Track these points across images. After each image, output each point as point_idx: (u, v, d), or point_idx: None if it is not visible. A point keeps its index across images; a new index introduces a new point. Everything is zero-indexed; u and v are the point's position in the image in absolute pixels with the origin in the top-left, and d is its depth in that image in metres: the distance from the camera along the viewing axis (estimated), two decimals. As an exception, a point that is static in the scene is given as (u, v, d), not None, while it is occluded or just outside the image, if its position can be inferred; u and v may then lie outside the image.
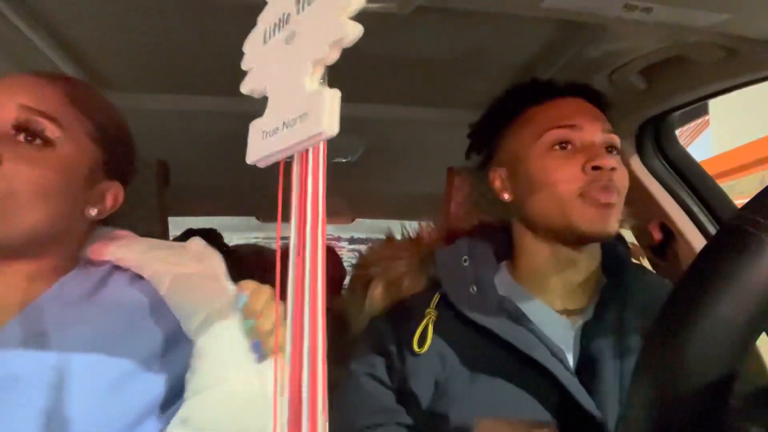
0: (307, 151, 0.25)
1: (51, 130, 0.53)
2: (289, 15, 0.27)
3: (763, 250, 0.35)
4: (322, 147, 0.24)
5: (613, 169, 0.65)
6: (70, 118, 0.56)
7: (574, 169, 0.66)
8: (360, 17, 0.23)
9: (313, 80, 0.25)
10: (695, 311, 0.35)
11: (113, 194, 0.62)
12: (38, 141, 0.53)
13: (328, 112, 0.23)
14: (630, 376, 0.60)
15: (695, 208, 0.95)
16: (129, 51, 0.81)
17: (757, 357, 0.85)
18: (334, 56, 0.24)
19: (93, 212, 0.60)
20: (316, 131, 0.23)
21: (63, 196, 0.55)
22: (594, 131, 0.68)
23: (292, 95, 0.25)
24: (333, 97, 0.23)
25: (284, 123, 0.25)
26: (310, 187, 0.24)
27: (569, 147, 0.68)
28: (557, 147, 0.68)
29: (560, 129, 0.68)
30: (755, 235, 0.35)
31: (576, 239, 0.68)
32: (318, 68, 0.25)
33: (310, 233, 0.24)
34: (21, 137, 0.52)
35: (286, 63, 0.26)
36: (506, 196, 0.75)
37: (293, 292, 0.24)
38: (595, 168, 0.65)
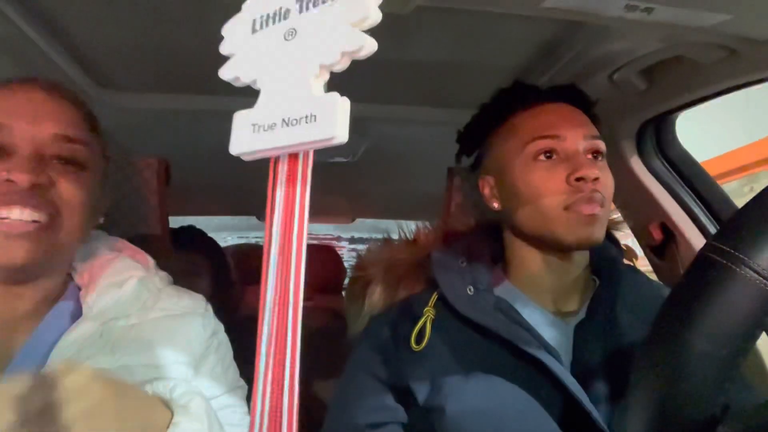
0: (297, 153, 0.25)
1: (84, 156, 0.55)
2: (288, 11, 0.27)
3: (733, 282, 0.34)
4: (311, 152, 0.25)
5: (596, 179, 0.65)
6: (92, 140, 0.57)
7: (558, 182, 0.66)
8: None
9: (319, 83, 0.25)
10: (674, 348, 0.35)
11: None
12: (72, 166, 0.54)
13: (341, 119, 0.23)
14: (622, 375, 0.61)
15: (695, 208, 0.95)
16: (129, 51, 0.81)
17: (757, 359, 0.85)
18: (343, 64, 0.24)
19: (102, 220, 0.62)
20: (329, 136, 0.23)
21: (95, 214, 0.58)
22: (577, 139, 0.68)
23: (295, 94, 0.25)
24: (345, 106, 0.23)
25: (284, 120, 0.25)
26: (299, 187, 0.25)
27: (553, 157, 0.68)
28: (542, 157, 0.68)
29: (543, 140, 0.68)
30: (725, 266, 0.35)
31: (563, 249, 0.69)
32: (324, 72, 0.25)
33: (297, 231, 0.24)
34: (55, 162, 0.53)
35: (286, 60, 0.26)
36: (495, 205, 0.76)
37: (272, 289, 0.24)
38: (579, 179, 0.65)
